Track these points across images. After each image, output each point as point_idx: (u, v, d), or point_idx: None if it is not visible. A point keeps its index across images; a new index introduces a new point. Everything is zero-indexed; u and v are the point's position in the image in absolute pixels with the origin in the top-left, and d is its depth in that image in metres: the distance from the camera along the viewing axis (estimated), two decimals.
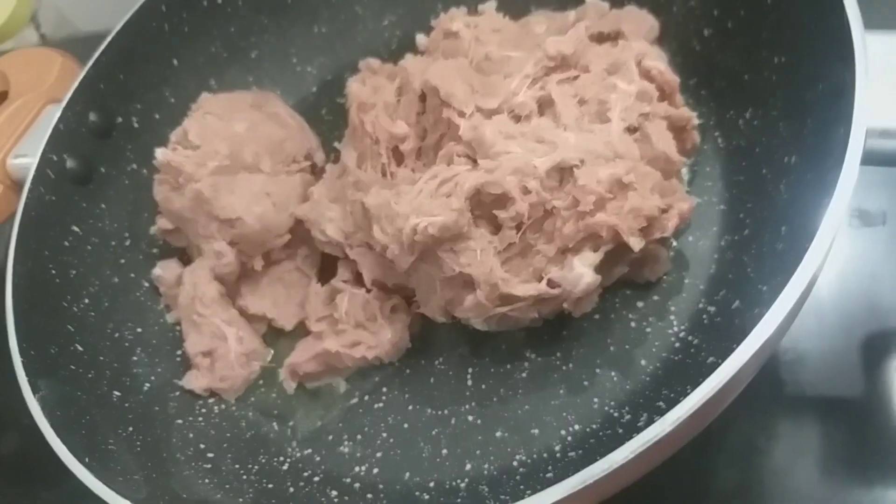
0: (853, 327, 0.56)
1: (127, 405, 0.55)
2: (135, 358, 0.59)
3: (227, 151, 0.57)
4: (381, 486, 0.50)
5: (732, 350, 0.36)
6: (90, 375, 0.55)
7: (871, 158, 0.40)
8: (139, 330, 0.61)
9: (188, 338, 0.58)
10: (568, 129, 0.48)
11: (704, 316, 0.49)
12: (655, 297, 0.52)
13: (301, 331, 0.59)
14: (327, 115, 0.73)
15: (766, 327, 0.36)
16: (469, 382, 0.53)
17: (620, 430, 0.46)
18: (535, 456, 0.48)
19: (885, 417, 0.52)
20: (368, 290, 0.55)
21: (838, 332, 0.56)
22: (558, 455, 0.47)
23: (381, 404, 0.54)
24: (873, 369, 0.54)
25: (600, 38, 0.55)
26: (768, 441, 0.53)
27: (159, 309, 0.63)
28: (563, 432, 0.48)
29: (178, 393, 0.58)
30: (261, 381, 0.59)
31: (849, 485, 0.50)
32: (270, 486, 0.51)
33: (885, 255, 0.58)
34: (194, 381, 0.57)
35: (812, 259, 0.37)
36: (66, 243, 0.61)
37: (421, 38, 0.62)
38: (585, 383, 0.50)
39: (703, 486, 0.53)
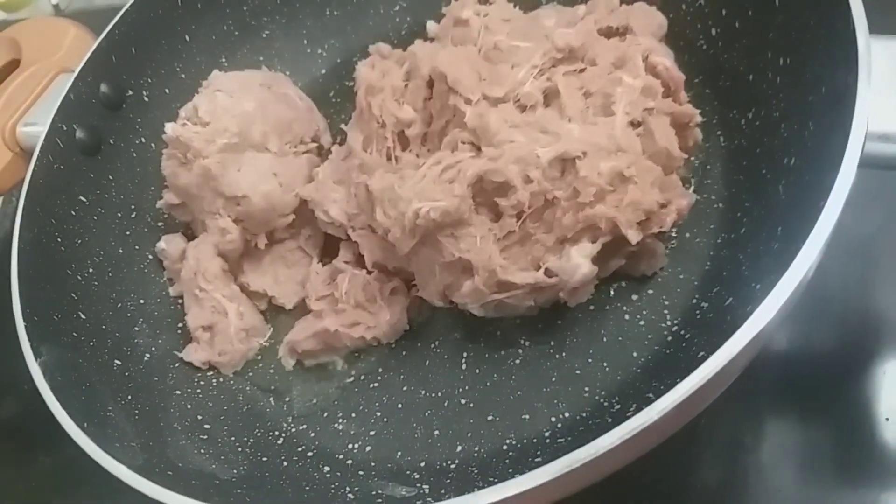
0: (844, 328, 0.56)
1: (127, 374, 0.56)
2: (136, 328, 0.60)
3: (236, 129, 0.57)
4: (373, 464, 0.51)
5: (723, 344, 0.36)
6: (92, 343, 0.56)
7: (871, 162, 0.41)
8: (142, 301, 0.62)
9: (189, 311, 0.58)
10: (572, 121, 0.49)
11: (698, 311, 0.50)
12: (650, 291, 0.52)
13: (301, 309, 0.60)
14: (335, 98, 0.73)
15: (756, 324, 0.36)
16: (463, 366, 0.54)
17: (610, 420, 0.46)
18: (524, 441, 0.49)
19: (871, 419, 0.52)
20: (369, 272, 0.56)
21: (829, 332, 0.56)
22: (548, 441, 0.48)
23: (376, 384, 0.55)
24: (861, 370, 0.54)
25: (608, 33, 0.56)
26: (754, 439, 0.53)
27: (162, 282, 0.64)
28: (553, 419, 0.49)
29: (177, 364, 0.59)
30: (259, 357, 0.60)
31: (833, 485, 0.51)
32: (265, 459, 0.52)
33: (879, 257, 0.58)
34: (194, 353, 0.58)
35: (804, 259, 0.37)
36: (73, 213, 0.62)
37: (431, 25, 0.63)
38: (577, 372, 0.50)
39: (688, 481, 0.53)
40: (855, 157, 0.39)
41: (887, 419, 0.52)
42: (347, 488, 0.49)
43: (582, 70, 0.51)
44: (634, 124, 0.49)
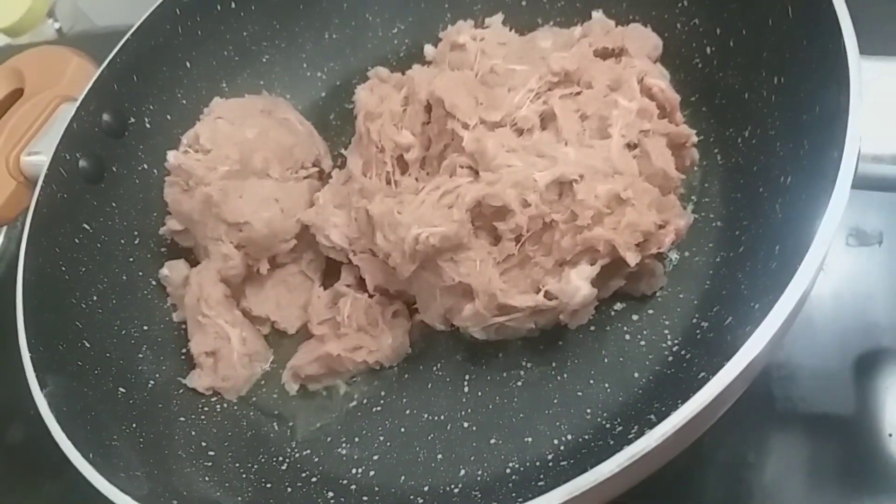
0: (846, 345, 0.56)
1: (131, 401, 0.56)
2: (140, 355, 0.60)
3: (238, 156, 0.58)
4: (376, 489, 0.51)
5: (722, 367, 0.37)
6: (96, 372, 0.56)
7: (864, 183, 0.41)
8: (146, 328, 0.62)
9: (193, 338, 0.59)
10: (569, 144, 0.49)
11: (698, 331, 0.50)
12: (650, 311, 0.52)
13: (303, 333, 0.60)
14: (335, 120, 0.74)
15: (755, 345, 0.36)
16: (466, 389, 0.54)
17: (612, 442, 0.47)
18: (527, 464, 0.49)
19: (875, 435, 0.52)
20: (371, 296, 0.57)
21: (831, 349, 0.56)
22: (550, 464, 0.48)
23: (379, 408, 0.55)
24: (864, 387, 0.54)
25: (604, 54, 0.56)
26: (759, 456, 0.53)
27: (166, 307, 0.64)
28: (555, 441, 0.49)
29: (181, 391, 0.59)
30: (262, 382, 0.60)
31: (837, 502, 0.51)
32: (269, 485, 0.52)
33: (880, 274, 0.58)
34: (197, 380, 0.58)
35: (800, 281, 0.37)
36: (77, 241, 0.62)
37: (429, 49, 0.63)
38: (579, 394, 0.51)
39: (693, 499, 0.53)
40: (848, 179, 0.39)
41: (890, 435, 0.52)
42: None
43: (578, 93, 0.52)
44: (631, 146, 0.50)
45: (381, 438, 0.54)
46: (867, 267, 0.59)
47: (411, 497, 0.50)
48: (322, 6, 0.75)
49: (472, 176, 0.50)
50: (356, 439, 0.54)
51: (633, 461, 0.35)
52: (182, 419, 0.57)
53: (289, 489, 0.52)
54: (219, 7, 0.71)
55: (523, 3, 0.69)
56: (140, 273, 0.65)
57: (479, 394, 0.53)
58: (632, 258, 0.47)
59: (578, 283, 0.47)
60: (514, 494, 0.46)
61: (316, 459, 0.54)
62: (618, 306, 0.53)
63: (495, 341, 0.53)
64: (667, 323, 0.51)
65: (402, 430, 0.53)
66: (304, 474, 0.53)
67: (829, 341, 0.57)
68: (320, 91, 0.76)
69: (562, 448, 0.49)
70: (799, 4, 0.48)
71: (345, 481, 0.52)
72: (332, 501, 0.50)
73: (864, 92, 0.41)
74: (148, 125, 0.69)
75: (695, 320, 0.50)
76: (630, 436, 0.45)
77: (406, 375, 0.56)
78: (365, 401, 0.56)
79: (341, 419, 0.56)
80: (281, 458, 0.55)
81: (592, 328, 0.53)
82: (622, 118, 0.49)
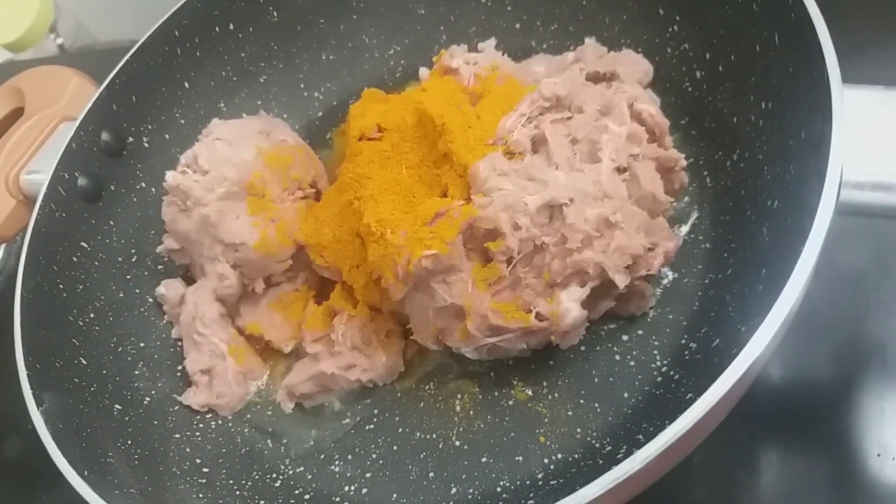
0: (836, 363, 0.57)
1: (127, 419, 0.56)
2: (136, 372, 0.61)
3: (236, 178, 0.58)
4: None
5: (708, 388, 0.37)
6: (93, 389, 0.57)
7: (847, 209, 0.42)
8: (142, 344, 0.63)
9: (188, 355, 0.59)
10: (559, 168, 0.50)
11: (686, 352, 0.50)
12: (640, 332, 0.53)
13: (298, 351, 0.61)
14: (332, 139, 0.75)
15: (737, 370, 0.37)
16: (458, 408, 0.54)
17: (601, 461, 0.47)
18: (518, 483, 0.49)
19: (864, 454, 0.53)
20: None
21: (821, 367, 0.57)
22: (540, 483, 0.49)
23: (372, 426, 0.56)
24: (853, 407, 0.55)
25: (596, 78, 0.57)
26: (748, 475, 0.54)
27: (162, 324, 0.65)
28: (545, 460, 0.50)
29: (176, 408, 0.59)
30: (257, 399, 0.60)
31: None
32: (262, 502, 0.53)
33: (870, 294, 0.59)
34: (193, 397, 0.59)
35: (783, 305, 0.38)
36: (75, 259, 0.63)
37: (423, 71, 0.64)
38: (570, 413, 0.51)
39: None
40: (830, 205, 0.40)
41: (878, 455, 0.53)
42: None
43: (569, 118, 0.53)
44: (620, 170, 0.51)
45: (374, 456, 0.54)
46: (856, 287, 0.59)
47: None
48: (319, 28, 0.76)
49: (464, 199, 0.51)
50: (349, 457, 0.55)
51: (617, 484, 0.35)
52: (177, 436, 0.57)
53: None
54: (217, 28, 0.73)
55: (517, 26, 0.70)
56: (137, 291, 0.65)
57: (472, 413, 0.54)
58: (621, 281, 0.48)
59: (569, 305, 0.48)
60: None
61: (309, 477, 0.55)
62: (608, 327, 0.54)
63: (487, 361, 0.53)
64: (656, 344, 0.52)
65: (395, 448, 0.54)
66: (297, 491, 0.54)
67: (817, 360, 0.57)
68: (317, 111, 0.77)
69: (552, 467, 0.49)
70: (785, 32, 0.49)
71: (337, 499, 0.53)
72: None
73: (847, 120, 0.42)
74: (146, 144, 0.70)
75: (683, 341, 0.51)
76: (619, 455, 0.46)
77: (399, 394, 0.57)
78: (358, 419, 0.57)
79: (335, 437, 0.56)
80: (274, 476, 0.55)
81: (583, 348, 0.53)
82: (612, 142, 0.50)
